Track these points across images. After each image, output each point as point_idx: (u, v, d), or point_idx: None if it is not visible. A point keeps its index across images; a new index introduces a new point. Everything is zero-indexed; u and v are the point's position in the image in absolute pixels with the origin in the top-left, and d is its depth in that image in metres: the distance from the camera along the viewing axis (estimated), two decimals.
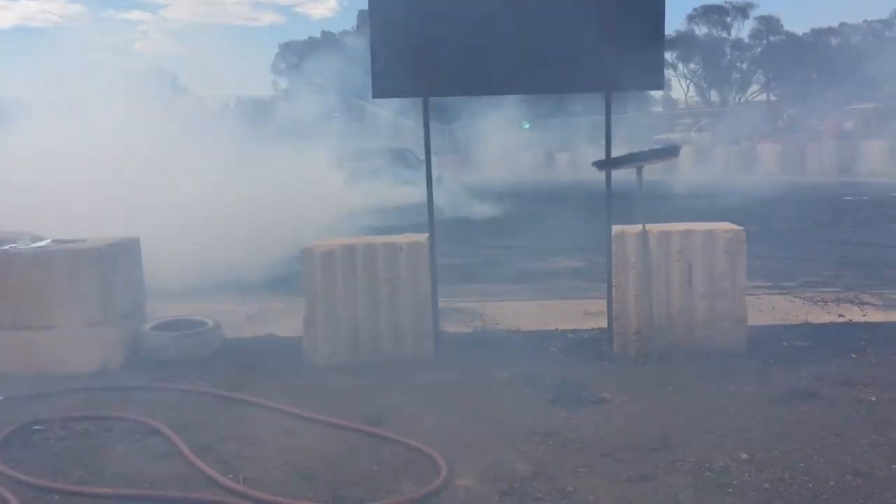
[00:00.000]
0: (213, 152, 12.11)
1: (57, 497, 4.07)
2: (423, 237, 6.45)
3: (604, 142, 6.62)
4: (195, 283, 8.56)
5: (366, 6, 6.42)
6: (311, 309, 6.28)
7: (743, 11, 48.36)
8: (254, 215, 10.57)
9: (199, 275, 8.65)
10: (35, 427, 4.96)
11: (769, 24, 47.64)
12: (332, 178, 16.70)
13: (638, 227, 6.27)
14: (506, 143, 32.21)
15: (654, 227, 6.29)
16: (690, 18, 47.55)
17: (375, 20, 6.34)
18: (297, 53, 42.81)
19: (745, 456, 4.34)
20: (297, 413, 5.17)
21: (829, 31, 46.51)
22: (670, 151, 6.58)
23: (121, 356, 6.40)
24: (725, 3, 48.65)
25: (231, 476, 4.26)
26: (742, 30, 48.90)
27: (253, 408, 5.36)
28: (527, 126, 39.89)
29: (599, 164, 6.53)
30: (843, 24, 46.10)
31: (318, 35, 46.90)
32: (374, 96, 6.53)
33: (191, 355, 6.46)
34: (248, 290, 8.53)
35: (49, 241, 6.56)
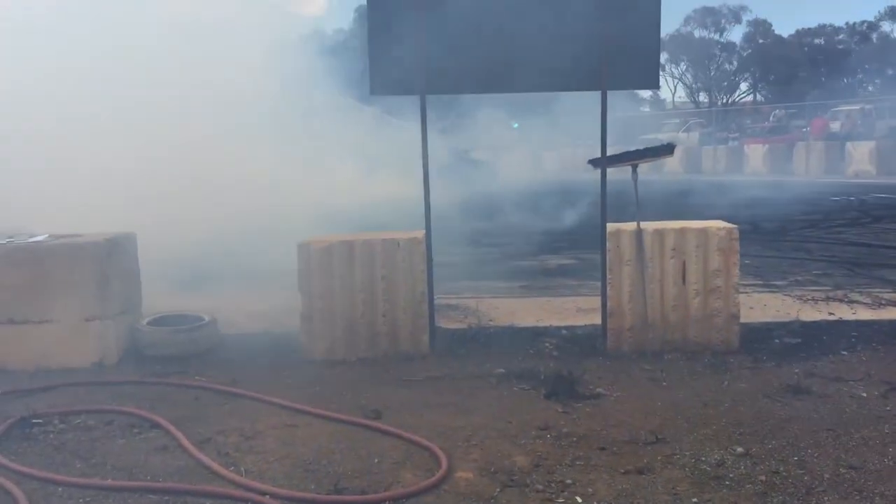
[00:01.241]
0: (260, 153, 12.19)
1: (60, 489, 4.09)
2: (420, 234, 6.50)
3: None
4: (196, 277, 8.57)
5: (362, 3, 6.45)
6: (308, 305, 6.31)
7: (736, 15, 48.64)
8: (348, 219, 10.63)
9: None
10: (34, 420, 4.97)
11: (760, 28, 47.92)
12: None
13: (633, 225, 6.34)
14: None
15: (648, 225, 6.36)
16: (684, 20, 47.78)
17: (374, 17, 6.37)
18: (286, 50, 42.62)
19: (740, 450, 4.41)
20: (295, 407, 5.20)
21: (815, 32, 46.79)
22: (665, 150, 6.64)
23: (117, 351, 6.41)
24: (720, 6, 48.96)
25: (232, 469, 4.29)
26: (732, 32, 49.25)
27: (251, 402, 5.39)
28: (516, 126, 39.97)
29: (595, 162, 6.59)
30: (828, 26, 46.42)
31: (309, 32, 46.67)
32: (372, 93, 6.55)
33: (188, 350, 6.47)
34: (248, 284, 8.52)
35: (46, 235, 6.56)
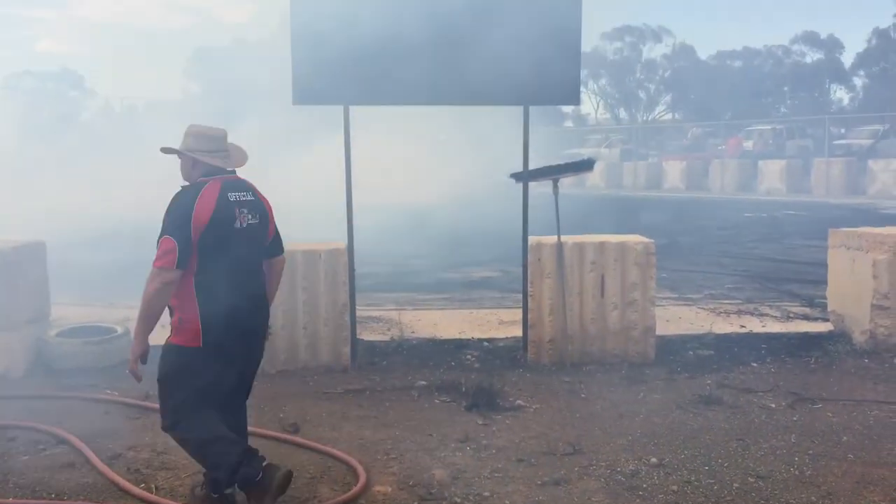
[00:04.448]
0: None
1: None
2: (342, 245, 6.45)
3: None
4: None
5: (286, 12, 6.38)
6: None
7: (657, 37, 50.00)
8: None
9: None
10: None
11: (682, 52, 49.41)
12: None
13: (554, 238, 6.43)
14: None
15: (568, 239, 6.46)
16: (603, 37, 48.87)
17: (296, 27, 6.31)
18: (212, 57, 41.95)
19: (654, 460, 4.50)
20: None
21: (733, 54, 48.50)
22: (585, 165, 6.76)
23: (23, 363, 6.16)
24: (643, 25, 50.26)
25: (143, 486, 4.16)
26: (654, 51, 50.58)
27: None
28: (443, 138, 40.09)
29: (517, 176, 6.66)
30: (747, 49, 48.16)
31: (233, 39, 46.06)
32: (294, 103, 6.48)
33: (98, 363, 6.26)
34: None
35: None
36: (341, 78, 6.33)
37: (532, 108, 6.75)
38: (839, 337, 7.01)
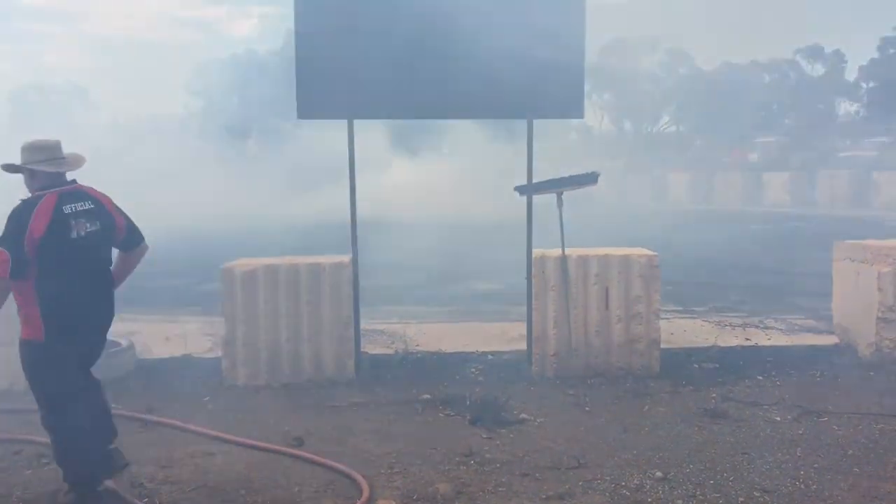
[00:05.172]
0: None
1: None
2: (346, 258, 6.46)
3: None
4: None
5: (292, 27, 6.42)
6: (231, 330, 6.19)
7: (653, 44, 50.15)
8: None
9: None
10: None
11: (677, 57, 49.51)
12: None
13: (558, 251, 6.43)
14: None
15: (573, 251, 6.46)
16: (603, 50, 48.98)
17: (301, 42, 6.35)
18: (215, 72, 42.08)
19: (658, 474, 4.48)
20: (214, 435, 5.08)
21: (739, 66, 48.55)
22: (589, 178, 6.75)
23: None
24: (637, 37, 50.47)
25: (146, 500, 4.16)
26: (651, 61, 50.66)
27: (168, 430, 5.24)
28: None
29: (521, 189, 6.67)
30: (752, 62, 48.20)
31: (239, 54, 46.21)
32: (299, 117, 6.51)
33: (103, 376, 6.22)
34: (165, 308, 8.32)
35: None
36: (345, 93, 6.36)
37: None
38: (844, 350, 6.99)
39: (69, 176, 4.15)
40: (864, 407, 5.64)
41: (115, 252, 4.33)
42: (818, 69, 48.25)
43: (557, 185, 6.53)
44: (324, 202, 16.91)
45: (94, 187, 4.23)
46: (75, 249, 4.00)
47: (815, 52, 48.09)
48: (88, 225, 4.06)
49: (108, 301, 4.26)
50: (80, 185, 4.18)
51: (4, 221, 3.93)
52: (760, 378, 6.41)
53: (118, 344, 6.53)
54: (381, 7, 6.45)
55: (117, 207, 4.26)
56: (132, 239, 4.33)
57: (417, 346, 7.35)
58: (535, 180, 6.67)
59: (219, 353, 6.34)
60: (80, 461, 4.07)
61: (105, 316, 4.26)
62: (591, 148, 42.66)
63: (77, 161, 4.18)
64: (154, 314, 8.09)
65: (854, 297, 6.96)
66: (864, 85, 46.55)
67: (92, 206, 4.11)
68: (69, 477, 4.11)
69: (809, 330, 7.99)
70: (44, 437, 4.94)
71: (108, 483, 4.18)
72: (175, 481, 4.42)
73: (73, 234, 4.00)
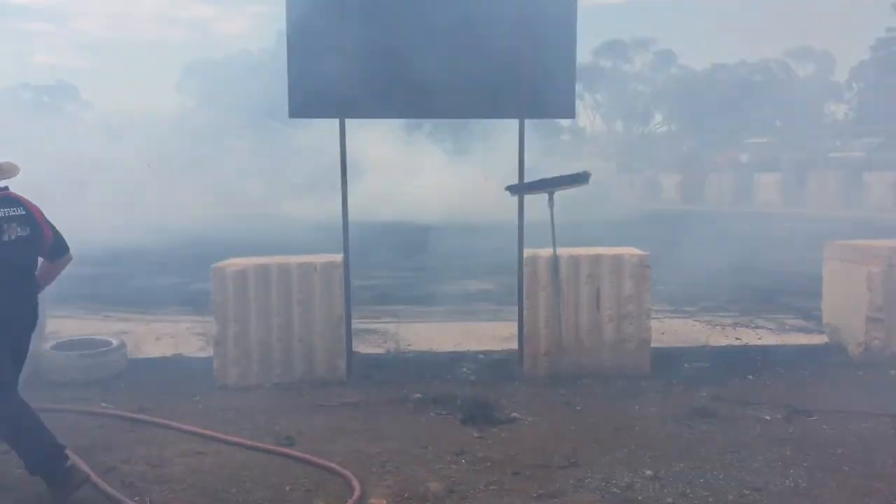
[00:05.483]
0: None
1: None
2: (338, 257, 6.45)
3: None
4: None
5: (283, 26, 6.42)
6: (222, 329, 6.18)
7: (644, 45, 50.34)
8: None
9: None
10: None
11: (665, 58, 49.75)
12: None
13: (549, 251, 6.44)
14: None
15: (564, 251, 6.48)
16: (596, 51, 49.13)
17: (293, 41, 6.34)
18: (206, 71, 42.00)
19: (649, 472, 4.50)
20: (205, 434, 5.07)
21: (729, 67, 48.72)
22: (581, 178, 6.75)
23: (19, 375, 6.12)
24: (629, 38, 50.64)
25: (137, 499, 4.15)
26: (643, 62, 50.84)
27: (159, 429, 5.23)
28: None
29: (513, 189, 6.68)
30: (742, 63, 48.38)
31: (230, 53, 46.18)
32: (291, 116, 6.51)
33: (94, 376, 6.25)
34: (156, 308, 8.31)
35: None
36: (337, 92, 6.35)
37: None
38: (834, 349, 7.03)
39: (1, 183, 4.32)
40: (853, 406, 5.67)
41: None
42: (808, 68, 48.55)
43: (549, 185, 6.54)
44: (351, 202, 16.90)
45: (25, 196, 4.42)
46: (6, 251, 4.20)
47: (804, 53, 48.39)
48: (19, 230, 4.27)
49: (31, 304, 4.42)
50: (12, 192, 4.37)
51: None
52: (751, 377, 6.44)
53: (109, 343, 6.52)
54: (372, 7, 6.45)
55: (46, 219, 4.46)
56: (58, 248, 4.54)
57: (409, 345, 7.35)
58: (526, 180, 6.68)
59: (210, 352, 6.33)
60: (35, 440, 4.18)
61: (28, 317, 4.41)
62: (582, 148, 42.75)
63: (11, 170, 4.38)
64: (145, 313, 8.07)
65: (844, 297, 7.00)
66: (855, 86, 46.82)
67: (23, 212, 4.32)
68: (31, 464, 4.19)
69: (799, 329, 8.03)
70: None
71: (75, 458, 4.31)
72: (166, 480, 4.41)
73: (5, 238, 4.21)
